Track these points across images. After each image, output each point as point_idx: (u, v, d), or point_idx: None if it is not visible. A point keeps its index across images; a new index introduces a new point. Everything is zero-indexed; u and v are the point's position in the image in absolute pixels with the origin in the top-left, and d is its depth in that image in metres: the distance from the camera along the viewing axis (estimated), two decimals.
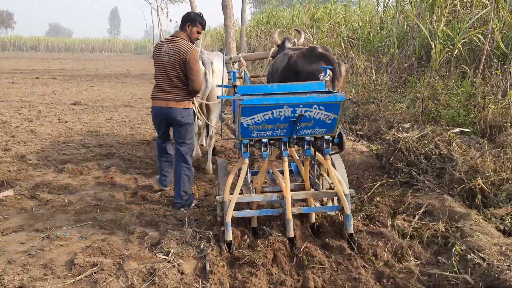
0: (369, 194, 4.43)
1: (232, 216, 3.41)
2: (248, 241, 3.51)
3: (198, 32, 4.42)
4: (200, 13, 4.46)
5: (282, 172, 3.58)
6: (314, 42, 13.49)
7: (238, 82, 4.35)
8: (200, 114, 4.99)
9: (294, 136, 3.40)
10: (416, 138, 4.82)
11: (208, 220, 3.98)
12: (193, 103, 4.61)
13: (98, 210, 4.37)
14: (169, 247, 3.44)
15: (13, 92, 14.24)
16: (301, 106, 3.22)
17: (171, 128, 4.60)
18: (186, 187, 4.44)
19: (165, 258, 3.28)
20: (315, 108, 3.25)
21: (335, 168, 3.74)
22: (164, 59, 4.28)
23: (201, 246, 3.48)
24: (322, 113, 3.29)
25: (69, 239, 3.69)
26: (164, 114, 4.39)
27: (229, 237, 3.38)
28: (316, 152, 3.73)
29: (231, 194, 3.47)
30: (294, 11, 17.40)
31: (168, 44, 4.31)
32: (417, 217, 3.85)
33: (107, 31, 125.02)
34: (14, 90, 15.03)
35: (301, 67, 4.74)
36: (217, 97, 4.24)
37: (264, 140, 3.40)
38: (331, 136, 3.49)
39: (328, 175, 3.75)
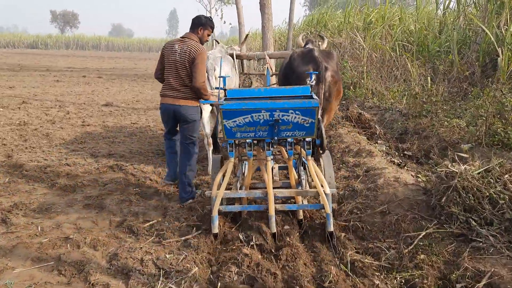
0: (410, 247, 3.34)
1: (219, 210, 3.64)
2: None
3: (208, 35, 4.70)
4: (210, 17, 4.72)
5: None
6: (365, 46, 12.31)
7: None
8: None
9: (276, 137, 3.55)
10: (478, 173, 3.63)
11: (192, 274, 3.07)
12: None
13: (68, 245, 3.57)
14: None
15: (52, 91, 14.10)
16: (278, 110, 3.39)
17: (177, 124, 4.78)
18: (191, 182, 4.65)
19: None
20: (292, 113, 3.40)
21: (323, 167, 4.00)
22: (176, 58, 4.49)
23: None
24: (299, 117, 3.43)
25: None
26: (173, 111, 4.54)
27: (215, 230, 3.62)
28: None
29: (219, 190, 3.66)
30: (346, 13, 16.16)
31: (179, 45, 4.52)
32: None
33: (166, 32, 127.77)
34: (55, 88, 14.92)
35: (295, 67, 4.83)
36: (199, 101, 4.48)
37: (248, 140, 3.62)
38: (312, 138, 3.61)
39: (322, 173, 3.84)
